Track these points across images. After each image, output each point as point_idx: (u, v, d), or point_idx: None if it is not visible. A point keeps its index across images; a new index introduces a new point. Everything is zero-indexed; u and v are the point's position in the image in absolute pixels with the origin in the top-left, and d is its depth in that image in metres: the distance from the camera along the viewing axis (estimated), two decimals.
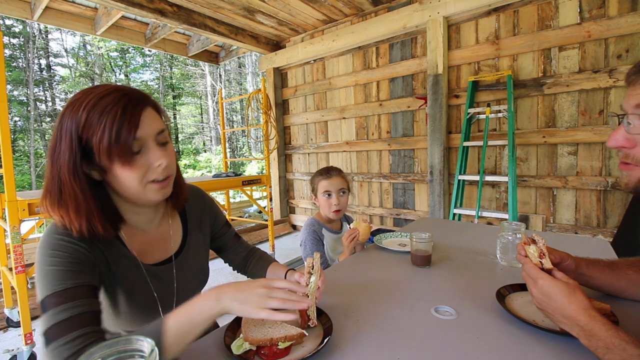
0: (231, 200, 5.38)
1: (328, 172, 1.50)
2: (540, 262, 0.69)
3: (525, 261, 0.70)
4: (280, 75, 4.56)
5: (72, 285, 0.60)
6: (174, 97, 17.52)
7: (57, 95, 15.14)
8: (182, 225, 0.87)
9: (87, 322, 0.58)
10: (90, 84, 15.56)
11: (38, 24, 12.85)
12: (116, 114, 0.60)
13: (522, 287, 0.85)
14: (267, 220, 3.74)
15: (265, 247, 4.00)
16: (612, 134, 0.61)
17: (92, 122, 0.60)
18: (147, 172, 0.66)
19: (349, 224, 1.65)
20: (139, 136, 0.63)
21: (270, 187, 3.69)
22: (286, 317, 0.59)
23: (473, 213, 2.63)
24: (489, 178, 2.69)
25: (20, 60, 13.24)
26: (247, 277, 0.99)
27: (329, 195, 1.46)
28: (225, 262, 1.02)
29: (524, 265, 0.70)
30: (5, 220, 1.82)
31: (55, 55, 14.96)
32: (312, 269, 0.76)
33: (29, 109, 13.53)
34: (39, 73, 14.38)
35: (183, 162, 14.90)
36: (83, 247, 0.64)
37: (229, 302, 0.59)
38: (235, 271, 1.04)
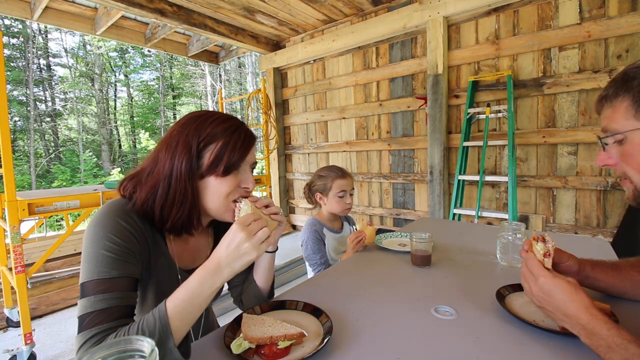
0: None
1: (342, 171, 1.51)
2: (543, 260, 0.68)
3: (529, 256, 0.69)
4: (280, 75, 4.56)
5: (118, 275, 0.62)
6: (174, 97, 17.52)
7: (57, 95, 15.13)
8: (213, 237, 0.89)
9: (121, 315, 0.60)
10: (90, 84, 15.58)
11: (37, 24, 12.84)
12: (239, 135, 0.72)
13: (522, 287, 0.85)
14: None
15: None
16: (597, 155, 0.69)
17: (215, 134, 0.70)
18: (234, 190, 0.73)
19: (350, 224, 1.65)
20: (246, 159, 0.74)
21: (270, 187, 3.70)
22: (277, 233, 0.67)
23: (473, 213, 2.63)
24: (489, 178, 2.69)
25: (19, 60, 13.23)
26: (243, 304, 0.95)
27: (343, 194, 1.47)
28: (229, 288, 0.97)
29: (526, 261, 0.69)
30: (5, 220, 1.82)
31: (55, 56, 14.95)
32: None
33: (28, 108, 13.52)
34: (38, 73, 14.37)
35: None
36: (135, 236, 0.66)
37: (229, 269, 0.61)
38: (234, 301, 0.98)
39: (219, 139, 0.70)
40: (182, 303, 0.57)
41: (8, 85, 11.67)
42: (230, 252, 0.60)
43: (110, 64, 16.24)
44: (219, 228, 0.90)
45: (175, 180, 0.68)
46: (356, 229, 1.32)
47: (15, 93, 13.18)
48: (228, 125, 0.72)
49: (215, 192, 0.71)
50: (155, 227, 0.73)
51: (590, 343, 0.56)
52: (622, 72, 0.64)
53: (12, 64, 12.86)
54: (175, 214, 0.70)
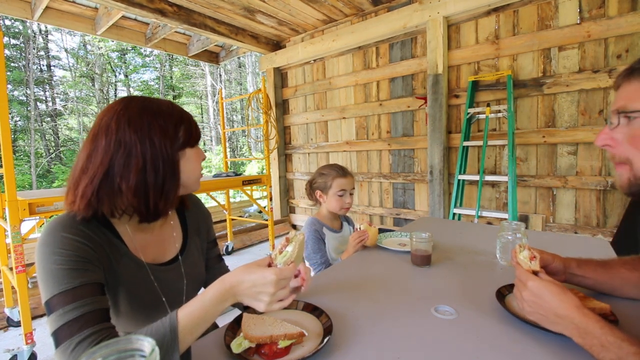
0: (231, 200, 5.39)
1: (343, 170, 1.50)
2: (530, 265, 0.70)
3: (517, 267, 0.72)
4: (281, 75, 4.56)
5: (80, 284, 0.59)
6: (174, 97, 17.52)
7: (57, 95, 15.14)
8: (182, 228, 0.88)
9: (97, 320, 0.58)
10: (91, 84, 15.59)
11: (38, 24, 12.86)
12: (189, 116, 0.78)
13: None
14: (267, 220, 3.74)
15: (265, 247, 4.01)
16: (598, 133, 0.64)
17: (182, 118, 0.74)
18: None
19: (349, 224, 1.65)
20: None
21: (270, 186, 3.70)
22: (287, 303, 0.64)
23: (473, 213, 2.63)
24: (488, 178, 2.70)
25: (20, 60, 13.25)
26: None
27: (343, 193, 1.47)
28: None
29: (515, 271, 0.71)
30: (6, 219, 1.82)
31: (55, 57, 14.96)
32: (290, 242, 0.70)
33: (29, 108, 13.53)
34: (38, 73, 14.38)
35: None
36: (87, 245, 0.64)
37: (242, 299, 0.61)
38: None
39: (186, 122, 0.75)
40: (196, 319, 0.57)
41: (8, 85, 11.67)
42: (250, 292, 0.60)
43: (110, 64, 16.26)
44: (185, 220, 0.89)
45: (161, 157, 0.69)
46: (359, 229, 1.31)
47: (15, 93, 13.19)
48: (183, 112, 0.79)
49: (195, 161, 0.77)
50: (114, 230, 0.71)
51: (584, 343, 0.56)
52: None
53: (12, 64, 12.87)
54: (168, 190, 0.71)
